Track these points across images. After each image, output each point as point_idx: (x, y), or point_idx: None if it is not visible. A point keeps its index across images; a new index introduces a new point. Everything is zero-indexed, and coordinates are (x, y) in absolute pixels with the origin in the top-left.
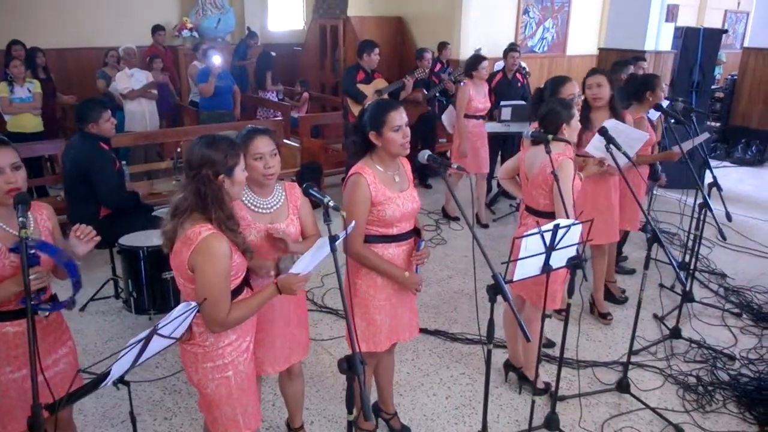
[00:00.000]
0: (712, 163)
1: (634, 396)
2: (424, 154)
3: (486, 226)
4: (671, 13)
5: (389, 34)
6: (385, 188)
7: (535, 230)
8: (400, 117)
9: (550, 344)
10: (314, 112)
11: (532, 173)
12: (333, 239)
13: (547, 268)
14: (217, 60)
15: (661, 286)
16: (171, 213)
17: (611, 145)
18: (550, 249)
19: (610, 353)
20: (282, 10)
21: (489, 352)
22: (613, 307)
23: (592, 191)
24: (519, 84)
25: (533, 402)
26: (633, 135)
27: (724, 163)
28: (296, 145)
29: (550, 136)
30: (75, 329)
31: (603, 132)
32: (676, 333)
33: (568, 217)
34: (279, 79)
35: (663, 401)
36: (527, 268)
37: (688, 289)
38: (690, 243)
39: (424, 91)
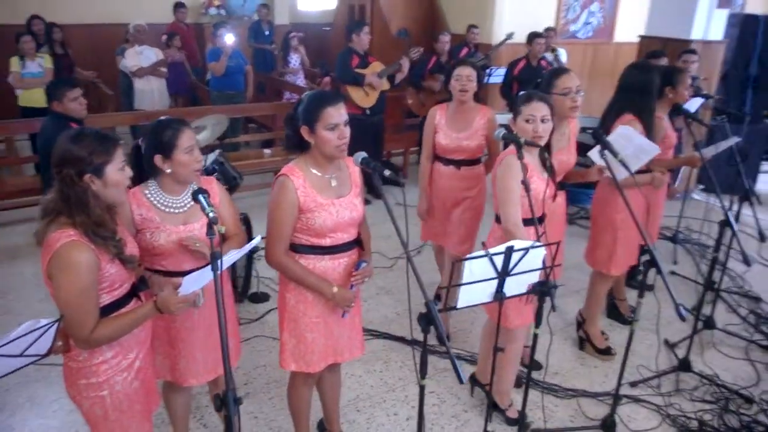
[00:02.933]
0: None
1: None
2: (359, 157)
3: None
4: None
5: (419, 15)
6: (317, 194)
7: (482, 253)
8: (338, 114)
9: (537, 366)
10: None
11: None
12: (214, 257)
13: (499, 295)
14: (229, 39)
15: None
16: (40, 214)
17: (606, 152)
18: (503, 274)
19: (605, 382)
20: None
21: (422, 388)
22: (620, 329)
23: (609, 208)
24: (544, 72)
25: None
26: (645, 146)
27: None
28: None
29: (523, 140)
30: None
31: (597, 135)
32: (685, 365)
33: (512, 219)
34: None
35: None
36: (474, 294)
37: (710, 314)
38: (720, 257)
39: (442, 78)
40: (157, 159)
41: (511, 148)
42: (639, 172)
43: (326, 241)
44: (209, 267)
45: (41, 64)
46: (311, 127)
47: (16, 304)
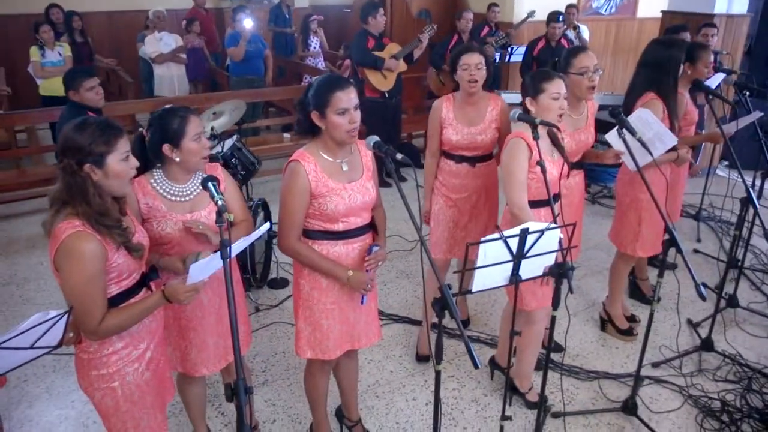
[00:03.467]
0: None
1: (641, 420)
2: (371, 141)
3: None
4: None
5: None
6: (329, 178)
7: (496, 236)
8: (347, 98)
9: (558, 348)
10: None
11: None
12: (224, 245)
13: (515, 278)
14: (248, 23)
15: (704, 285)
16: (49, 204)
17: (625, 132)
18: (518, 257)
19: (627, 363)
20: None
21: (438, 374)
22: (643, 308)
23: (635, 188)
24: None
25: (501, 427)
26: (663, 135)
27: None
28: None
29: (538, 120)
30: None
31: (615, 114)
32: (707, 345)
33: (517, 203)
34: (322, 44)
35: (677, 427)
36: (490, 278)
37: (733, 292)
38: (744, 233)
39: None
40: (166, 148)
41: (517, 130)
42: None
43: (339, 226)
44: (217, 255)
45: (61, 53)
46: (321, 112)
47: (36, 293)
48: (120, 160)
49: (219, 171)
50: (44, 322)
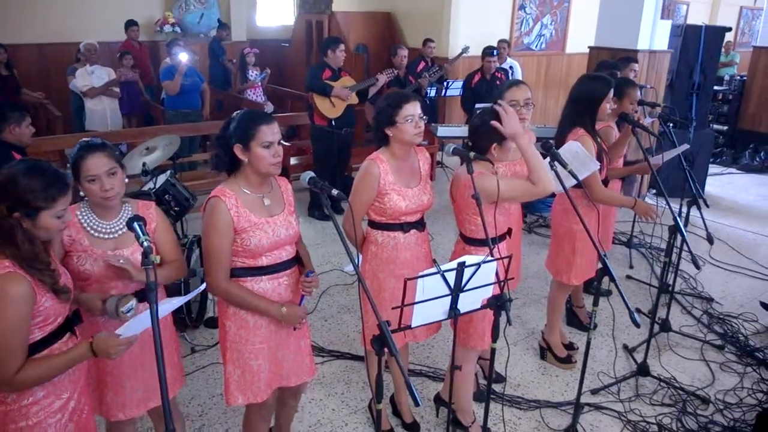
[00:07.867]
0: (716, 169)
1: None
2: (306, 176)
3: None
4: (667, 10)
5: (377, 31)
6: (250, 213)
7: (433, 270)
8: (271, 132)
9: (499, 379)
10: (299, 111)
11: (457, 195)
12: (150, 288)
13: (454, 312)
14: (183, 57)
15: (638, 311)
16: None
17: (556, 163)
18: (456, 290)
19: (567, 391)
20: (271, 4)
21: (378, 413)
22: (580, 336)
23: (568, 219)
24: (498, 84)
25: None
26: (589, 164)
27: (730, 170)
28: None
29: (472, 154)
30: None
31: (547, 147)
32: (643, 369)
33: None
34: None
35: None
36: (428, 312)
37: (665, 317)
38: (673, 259)
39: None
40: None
41: (481, 169)
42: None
43: (263, 261)
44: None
45: None
46: (245, 145)
47: None
48: (53, 216)
49: (152, 209)
50: None
